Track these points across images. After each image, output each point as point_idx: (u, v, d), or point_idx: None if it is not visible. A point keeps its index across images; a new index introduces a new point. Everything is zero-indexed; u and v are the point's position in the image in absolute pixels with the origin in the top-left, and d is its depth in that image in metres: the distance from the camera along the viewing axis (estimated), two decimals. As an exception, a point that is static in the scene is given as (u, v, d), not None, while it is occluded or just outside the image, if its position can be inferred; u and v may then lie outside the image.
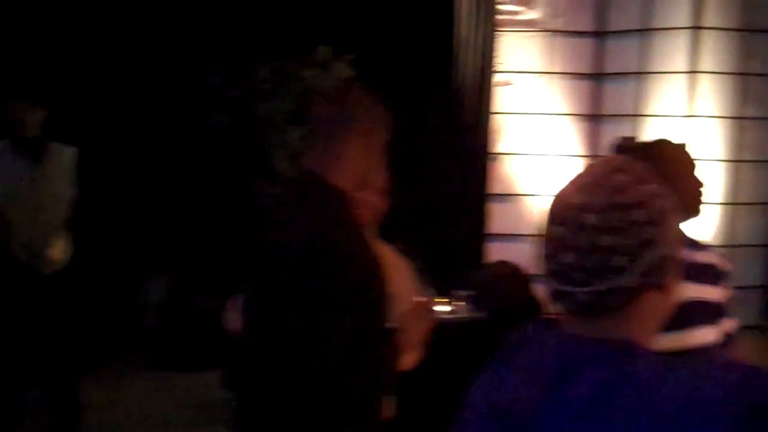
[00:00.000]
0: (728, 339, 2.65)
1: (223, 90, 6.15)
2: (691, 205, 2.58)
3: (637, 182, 1.24)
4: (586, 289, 1.21)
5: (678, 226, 1.29)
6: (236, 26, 6.30)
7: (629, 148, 2.60)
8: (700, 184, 2.59)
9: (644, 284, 1.22)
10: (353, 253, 2.00)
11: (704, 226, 6.27)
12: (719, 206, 6.32)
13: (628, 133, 6.07)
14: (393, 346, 2.12)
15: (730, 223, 6.37)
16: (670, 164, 2.57)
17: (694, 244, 2.66)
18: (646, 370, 1.17)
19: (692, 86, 6.16)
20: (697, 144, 6.16)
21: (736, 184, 6.34)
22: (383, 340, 2.10)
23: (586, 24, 6.47)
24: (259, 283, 2.06)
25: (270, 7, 6.23)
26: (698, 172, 2.62)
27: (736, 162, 6.33)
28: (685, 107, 6.17)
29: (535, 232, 1.30)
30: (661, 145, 2.69)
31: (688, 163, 2.62)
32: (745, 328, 6.53)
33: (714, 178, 6.27)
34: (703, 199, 2.60)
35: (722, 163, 6.30)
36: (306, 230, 1.97)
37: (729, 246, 6.36)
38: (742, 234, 6.42)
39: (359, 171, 2.12)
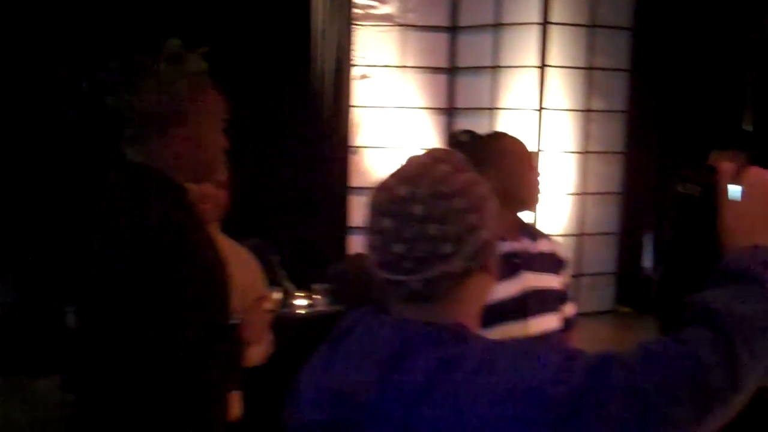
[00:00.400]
0: (568, 324, 2.73)
1: (73, 84, 5.95)
2: (527, 196, 2.64)
3: (457, 171, 1.28)
4: (416, 277, 1.24)
5: (496, 211, 1.31)
6: (86, 19, 6.10)
7: (465, 141, 2.64)
8: (537, 175, 2.65)
9: (470, 269, 1.26)
10: (191, 249, 1.96)
11: (556, 216, 6.49)
12: (570, 196, 6.55)
13: (483, 126, 6.24)
14: (236, 342, 2.10)
15: (581, 213, 6.61)
16: (506, 157, 2.62)
17: (534, 234, 2.72)
18: (477, 353, 1.20)
19: (542, 80, 6.34)
20: (548, 136, 6.37)
21: (584, 174, 6.58)
22: (226, 337, 2.08)
23: (439, 19, 6.58)
24: (91, 282, 2.00)
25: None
26: (535, 164, 2.67)
27: (584, 153, 6.56)
28: (537, 100, 6.35)
29: (363, 225, 1.31)
30: (498, 137, 2.73)
31: (524, 155, 2.67)
32: (599, 313, 6.81)
33: (565, 169, 6.49)
34: (539, 189, 2.65)
35: (572, 154, 6.52)
36: (141, 225, 1.93)
37: (580, 235, 6.60)
38: (592, 223, 6.66)
39: (195, 163, 2.08)
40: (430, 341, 1.21)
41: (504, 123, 6.41)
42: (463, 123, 6.39)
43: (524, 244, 2.62)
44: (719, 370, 1.13)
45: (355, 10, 6.41)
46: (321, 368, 1.30)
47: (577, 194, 6.56)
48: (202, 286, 1.96)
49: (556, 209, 6.47)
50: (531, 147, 6.24)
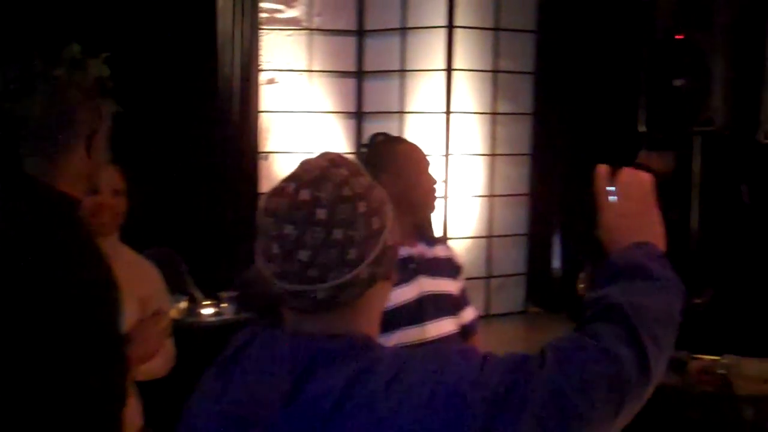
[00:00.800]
0: (468, 329, 2.75)
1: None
2: (423, 202, 2.64)
3: (355, 175, 1.25)
4: (321, 285, 1.19)
5: (393, 216, 1.28)
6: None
7: (367, 145, 2.64)
8: (432, 181, 2.66)
9: (374, 275, 1.22)
10: (79, 263, 1.91)
11: (465, 219, 6.54)
12: (478, 199, 6.60)
13: (393, 130, 6.23)
14: (126, 356, 2.05)
15: (489, 215, 6.67)
16: (400, 161, 2.62)
17: (430, 239, 2.73)
18: (389, 362, 1.17)
19: (449, 83, 6.39)
20: (455, 139, 6.42)
21: (492, 176, 6.64)
22: (116, 352, 2.02)
23: (346, 22, 6.57)
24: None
25: (20, 4, 5.90)
26: (431, 169, 2.68)
27: (491, 156, 6.63)
28: (444, 104, 6.39)
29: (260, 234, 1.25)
30: (392, 142, 2.74)
31: (419, 160, 2.68)
32: (510, 314, 6.88)
33: (473, 172, 6.55)
34: (435, 195, 2.66)
35: (479, 157, 6.58)
36: (24, 239, 1.86)
37: (489, 237, 6.67)
38: (501, 225, 6.73)
39: (85, 174, 2.02)
40: (338, 355, 1.18)
41: (412, 126, 6.44)
42: (373, 127, 6.37)
43: (420, 249, 2.63)
44: (631, 363, 1.15)
45: (261, 15, 6.36)
46: (215, 394, 1.24)
47: (485, 196, 6.63)
48: (74, 305, 1.89)
49: (464, 212, 6.53)
50: (439, 150, 6.30)
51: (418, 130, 6.39)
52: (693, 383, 3.44)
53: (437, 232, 6.25)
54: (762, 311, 4.40)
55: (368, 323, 1.26)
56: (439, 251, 2.73)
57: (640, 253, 1.28)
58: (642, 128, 4.08)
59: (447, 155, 6.37)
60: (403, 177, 2.56)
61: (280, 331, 1.25)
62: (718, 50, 3.95)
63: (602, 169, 1.38)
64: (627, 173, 1.36)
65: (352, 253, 1.19)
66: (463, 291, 2.74)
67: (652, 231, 1.33)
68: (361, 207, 1.21)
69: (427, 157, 2.70)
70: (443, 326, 2.59)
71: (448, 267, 2.72)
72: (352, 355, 1.18)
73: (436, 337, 2.57)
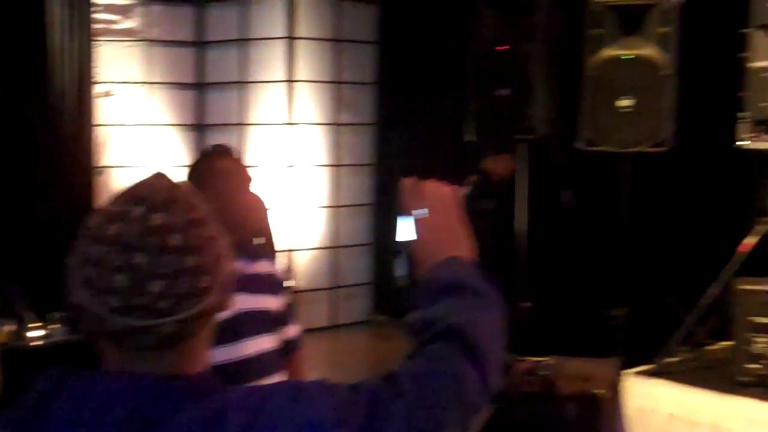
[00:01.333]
0: (290, 345, 2.72)
1: None
2: (240, 219, 2.61)
3: (194, 197, 1.16)
4: (175, 317, 1.07)
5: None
6: None
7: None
8: (252, 197, 2.63)
9: (218, 304, 1.13)
10: None
11: (310, 230, 6.54)
12: (324, 209, 6.61)
13: (233, 142, 6.18)
14: None
15: (335, 225, 6.69)
16: (219, 177, 2.58)
17: (252, 255, 2.70)
18: (241, 402, 1.09)
19: (290, 95, 6.37)
20: (299, 150, 6.41)
21: (337, 187, 6.67)
22: None
23: (185, 34, 6.47)
24: None
25: None
26: (253, 186, 2.65)
27: (336, 167, 6.65)
28: (286, 115, 6.38)
29: (83, 269, 1.09)
30: (211, 157, 2.69)
31: (241, 178, 2.65)
32: (357, 324, 6.90)
33: (317, 183, 6.56)
34: (253, 212, 2.64)
35: (324, 168, 6.59)
36: None
37: (335, 247, 6.68)
38: (346, 234, 6.76)
39: None
40: (183, 399, 1.07)
41: (255, 138, 6.40)
42: (213, 139, 6.29)
43: (238, 265, 2.59)
44: (476, 381, 1.15)
45: (96, 26, 6.17)
46: None
47: (330, 207, 6.64)
48: None
49: (310, 223, 6.52)
50: (282, 162, 6.27)
51: (261, 141, 6.35)
52: (518, 385, 3.52)
53: (281, 245, 6.23)
54: (583, 312, 4.57)
55: (202, 357, 1.16)
56: (260, 267, 2.69)
57: (458, 268, 1.27)
58: (469, 137, 4.17)
59: (290, 167, 6.35)
60: (222, 194, 2.51)
61: (100, 374, 1.10)
62: (540, 60, 4.08)
63: (407, 182, 1.35)
64: (430, 187, 1.33)
65: (205, 281, 1.10)
66: (288, 307, 2.72)
67: (462, 244, 1.32)
68: (208, 231, 1.13)
69: (249, 173, 2.67)
70: (261, 343, 2.56)
71: (270, 283, 2.69)
72: (198, 398, 1.07)
73: (254, 355, 2.53)
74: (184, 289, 1.08)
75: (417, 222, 1.31)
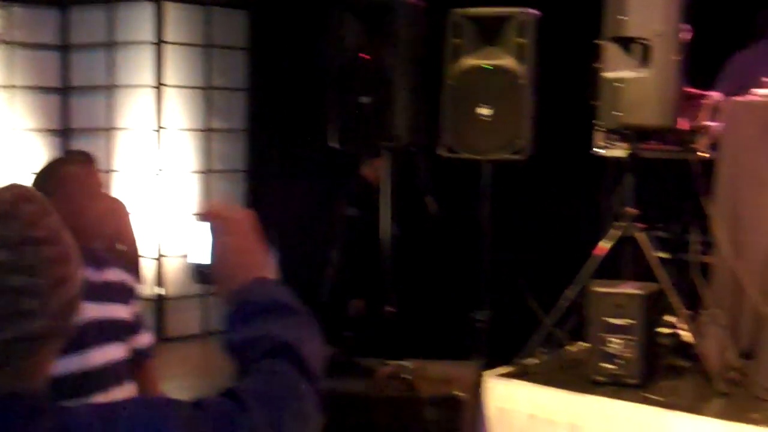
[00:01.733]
0: (142, 354, 2.69)
1: None
2: (93, 228, 2.56)
3: (45, 214, 1.12)
4: None
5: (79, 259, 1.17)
6: None
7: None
8: (102, 205, 2.58)
9: (53, 329, 1.09)
10: None
11: (183, 238, 6.44)
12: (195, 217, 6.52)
13: (100, 147, 6.05)
14: None
15: (206, 232, 6.60)
16: (67, 184, 2.53)
17: (101, 263, 2.65)
18: (87, 423, 1.06)
19: (159, 100, 6.28)
20: (168, 156, 6.32)
21: (208, 193, 6.59)
22: None
23: (49, 37, 6.30)
24: None
25: None
26: (105, 191, 2.62)
27: (207, 173, 6.58)
28: (155, 120, 6.28)
29: None
30: (59, 164, 2.64)
31: (91, 184, 2.60)
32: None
33: (188, 189, 6.47)
34: (104, 220, 2.60)
35: (195, 174, 6.52)
36: None
37: (207, 253, 6.60)
38: (218, 241, 6.68)
39: None
40: (28, 417, 1.04)
41: (122, 143, 6.28)
42: (79, 144, 6.16)
43: (86, 274, 2.54)
44: (310, 395, 1.18)
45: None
46: None
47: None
48: None
49: (180, 230, 6.43)
50: (151, 167, 6.15)
51: (129, 146, 6.23)
52: (380, 388, 3.57)
53: (150, 252, 6.13)
54: (447, 316, 4.65)
55: (44, 374, 1.12)
56: (109, 275, 2.64)
57: (269, 289, 1.27)
58: (332, 144, 4.19)
59: (159, 172, 6.25)
60: (70, 202, 2.46)
61: None
62: (402, 69, 4.13)
63: (210, 206, 1.36)
64: (225, 211, 1.33)
65: (29, 303, 1.06)
66: (138, 315, 2.68)
67: (264, 265, 1.33)
68: (48, 252, 1.09)
69: (100, 179, 2.62)
70: (109, 353, 2.51)
71: (120, 291, 2.64)
72: (41, 416, 1.05)
73: (102, 365, 2.48)
74: (3, 310, 1.04)
75: (219, 243, 1.30)
